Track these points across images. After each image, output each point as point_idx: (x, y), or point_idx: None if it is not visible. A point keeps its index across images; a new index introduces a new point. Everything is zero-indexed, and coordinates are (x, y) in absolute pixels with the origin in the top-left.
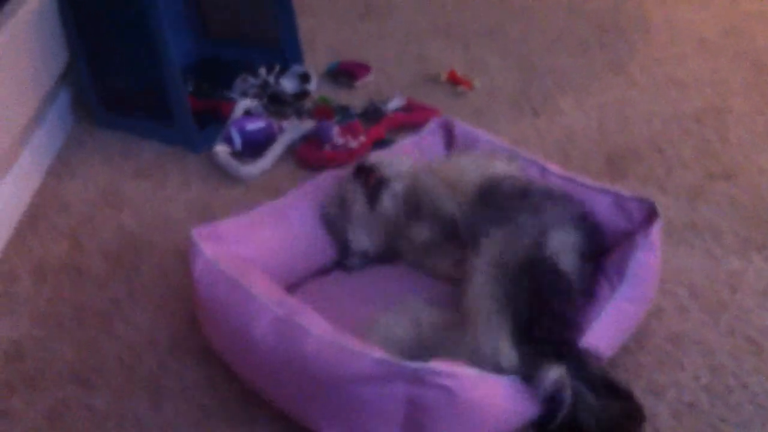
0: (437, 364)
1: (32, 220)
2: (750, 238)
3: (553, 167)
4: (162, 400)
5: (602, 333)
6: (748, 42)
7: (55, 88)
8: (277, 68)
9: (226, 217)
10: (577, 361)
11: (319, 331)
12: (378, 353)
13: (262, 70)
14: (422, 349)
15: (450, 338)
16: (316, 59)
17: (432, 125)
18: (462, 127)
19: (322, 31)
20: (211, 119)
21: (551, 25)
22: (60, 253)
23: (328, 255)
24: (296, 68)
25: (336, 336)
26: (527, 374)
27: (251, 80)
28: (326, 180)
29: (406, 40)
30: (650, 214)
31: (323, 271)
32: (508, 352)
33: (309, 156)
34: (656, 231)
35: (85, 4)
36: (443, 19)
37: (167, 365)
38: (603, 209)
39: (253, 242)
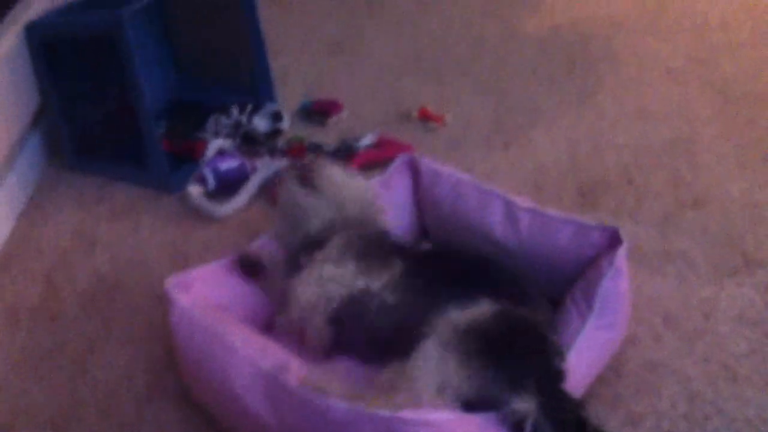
0: (408, 413)
1: (5, 264)
2: (722, 265)
3: (518, 199)
4: None
5: (576, 363)
6: (714, 71)
7: (27, 132)
8: (250, 107)
9: (201, 257)
10: (551, 393)
11: (297, 381)
12: (350, 403)
13: (235, 110)
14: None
15: None
16: (288, 97)
17: (397, 164)
18: (427, 164)
19: (295, 68)
20: (184, 160)
21: (522, 59)
22: (34, 297)
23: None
24: (269, 107)
25: (313, 380)
26: (495, 397)
27: (224, 120)
28: None
29: (378, 76)
30: (613, 240)
31: None
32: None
33: None
34: (621, 257)
35: (57, 47)
36: (415, 55)
37: (144, 408)
38: (566, 239)
39: (225, 287)
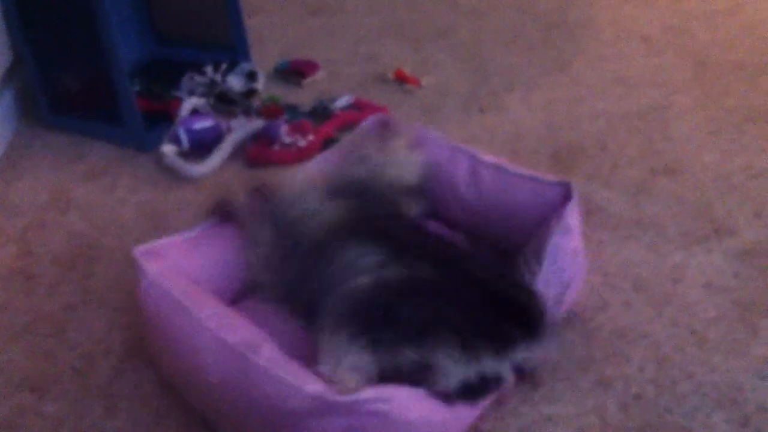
0: (369, 392)
1: None
2: (692, 232)
3: (487, 157)
4: (117, 407)
5: None
6: (690, 39)
7: (0, 88)
8: (224, 66)
9: (177, 217)
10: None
11: (264, 360)
12: (312, 387)
13: (209, 68)
14: None
15: None
16: (265, 57)
17: (368, 123)
18: (400, 124)
19: (272, 29)
20: (161, 119)
21: (501, 25)
22: (8, 258)
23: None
24: (243, 66)
25: (278, 366)
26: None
27: (198, 78)
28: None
29: (356, 39)
30: (567, 196)
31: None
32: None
33: (258, 155)
34: (571, 213)
35: (31, 3)
36: (394, 19)
37: (121, 371)
38: (525, 195)
39: (197, 258)
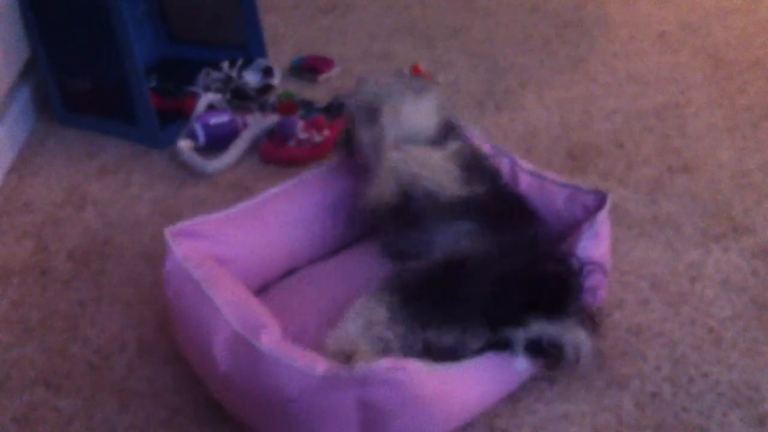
0: (381, 363)
1: None
2: (709, 230)
3: (523, 162)
4: (130, 403)
5: None
6: (706, 37)
7: (15, 86)
8: (240, 62)
9: (192, 214)
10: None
11: (270, 349)
12: (322, 367)
13: (225, 65)
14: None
15: None
16: (279, 55)
17: None
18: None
19: (286, 27)
20: (175, 117)
21: (514, 23)
22: (24, 254)
23: (302, 256)
24: (259, 62)
25: (286, 353)
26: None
27: (214, 74)
28: (305, 180)
29: (370, 37)
30: (600, 204)
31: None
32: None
33: (273, 151)
34: (602, 220)
35: (46, 2)
36: (408, 18)
37: (135, 367)
38: (561, 202)
39: (228, 241)
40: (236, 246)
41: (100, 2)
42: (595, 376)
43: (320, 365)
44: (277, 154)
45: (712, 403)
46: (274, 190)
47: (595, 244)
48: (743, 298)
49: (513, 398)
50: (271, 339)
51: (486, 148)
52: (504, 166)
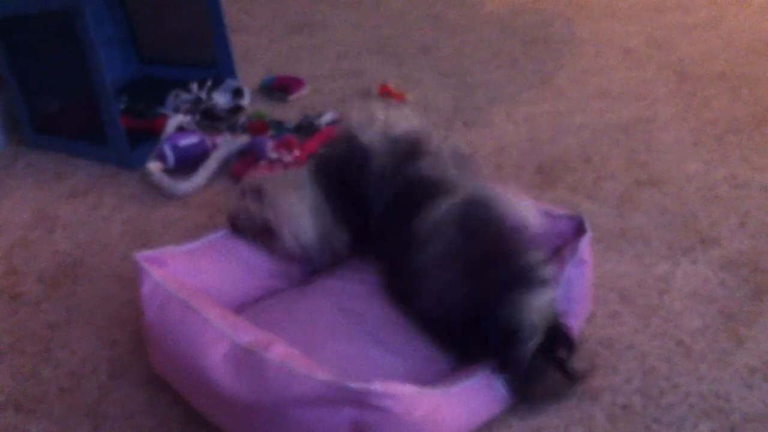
0: (379, 385)
1: None
2: (677, 243)
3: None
4: (103, 426)
5: None
6: (671, 52)
7: None
8: (209, 83)
9: (163, 235)
10: None
11: (276, 356)
12: (323, 376)
13: (194, 85)
14: None
15: None
16: (250, 74)
17: None
18: None
19: (257, 46)
20: (146, 137)
21: (482, 41)
22: None
23: (270, 284)
24: (229, 83)
25: (290, 360)
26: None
27: (184, 96)
28: None
29: (339, 56)
30: (579, 229)
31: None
32: None
33: (244, 171)
34: (585, 245)
35: (14, 24)
36: (377, 36)
37: (108, 390)
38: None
39: (197, 270)
40: (205, 275)
41: (69, 23)
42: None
43: (321, 374)
44: (250, 172)
45: (683, 415)
46: None
47: (581, 271)
48: (712, 309)
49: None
50: (276, 349)
51: None
52: None
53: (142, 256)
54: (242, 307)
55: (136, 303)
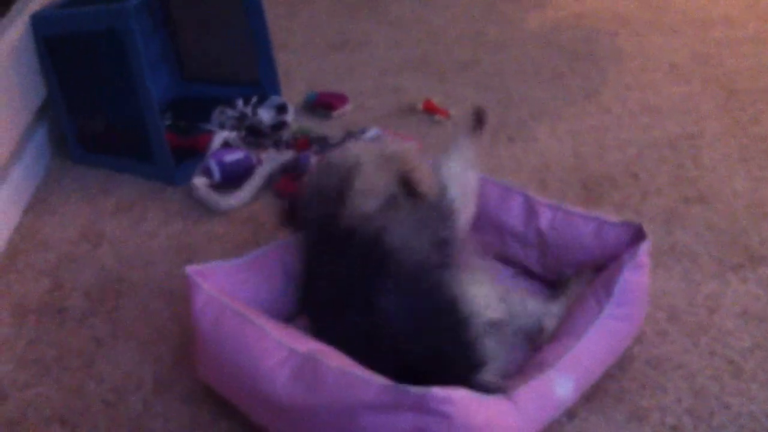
0: (438, 390)
1: (11, 258)
2: (726, 260)
3: (539, 198)
4: None
5: (591, 348)
6: (717, 67)
7: (32, 126)
8: (254, 99)
9: (207, 250)
10: None
11: (335, 363)
12: (383, 380)
13: (239, 102)
14: None
15: None
16: (292, 92)
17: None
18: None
19: (299, 63)
20: (190, 154)
21: (526, 56)
22: (40, 293)
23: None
24: (273, 99)
25: (349, 366)
26: None
27: (229, 112)
28: None
29: (381, 73)
30: (637, 236)
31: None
32: None
33: (288, 187)
34: (643, 251)
35: (62, 43)
36: (418, 53)
37: (152, 406)
38: (589, 235)
39: (243, 283)
40: (253, 288)
41: (117, 43)
42: (614, 410)
43: (381, 379)
44: (294, 188)
45: None
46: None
47: (638, 276)
48: (762, 328)
49: None
50: (333, 356)
51: (491, 185)
52: (515, 203)
53: (191, 269)
54: (290, 319)
55: (180, 318)
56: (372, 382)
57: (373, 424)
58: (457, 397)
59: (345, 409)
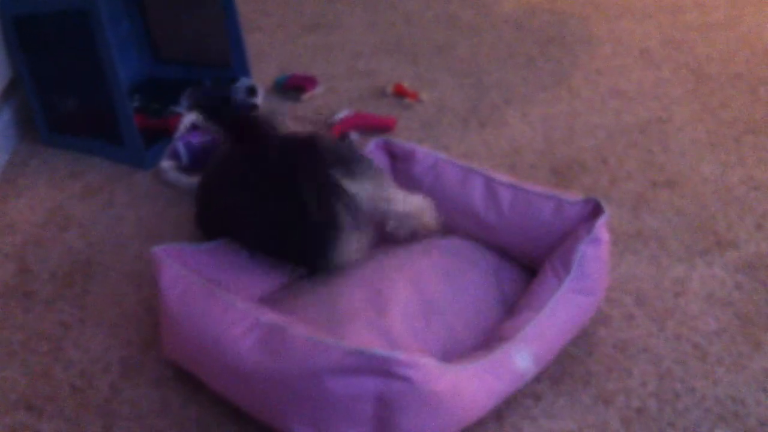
0: (403, 354)
1: None
2: (693, 245)
3: (498, 175)
4: (114, 425)
5: (551, 321)
6: (688, 52)
7: None
8: (223, 81)
9: (176, 234)
10: None
11: (300, 330)
12: (349, 344)
13: (208, 84)
14: None
15: None
16: (263, 74)
17: (372, 147)
18: (402, 145)
19: (271, 45)
20: (160, 136)
21: (498, 41)
22: (6, 276)
23: (279, 280)
24: (243, 81)
25: (313, 331)
26: None
27: (197, 94)
28: None
29: (354, 55)
30: (595, 210)
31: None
32: None
33: None
34: (601, 225)
35: (30, 23)
36: (392, 36)
37: (120, 390)
38: (548, 213)
39: (214, 264)
40: (222, 269)
41: (85, 23)
42: (581, 393)
43: (346, 343)
44: None
45: (699, 419)
46: None
47: (596, 249)
48: (728, 312)
49: (498, 416)
50: (300, 325)
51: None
52: (476, 183)
53: (157, 249)
54: (261, 301)
55: (149, 302)
56: (336, 347)
57: (338, 387)
58: (421, 363)
59: (310, 374)
